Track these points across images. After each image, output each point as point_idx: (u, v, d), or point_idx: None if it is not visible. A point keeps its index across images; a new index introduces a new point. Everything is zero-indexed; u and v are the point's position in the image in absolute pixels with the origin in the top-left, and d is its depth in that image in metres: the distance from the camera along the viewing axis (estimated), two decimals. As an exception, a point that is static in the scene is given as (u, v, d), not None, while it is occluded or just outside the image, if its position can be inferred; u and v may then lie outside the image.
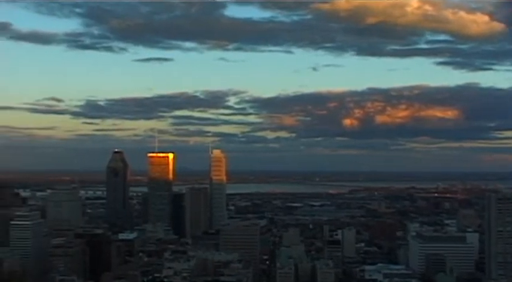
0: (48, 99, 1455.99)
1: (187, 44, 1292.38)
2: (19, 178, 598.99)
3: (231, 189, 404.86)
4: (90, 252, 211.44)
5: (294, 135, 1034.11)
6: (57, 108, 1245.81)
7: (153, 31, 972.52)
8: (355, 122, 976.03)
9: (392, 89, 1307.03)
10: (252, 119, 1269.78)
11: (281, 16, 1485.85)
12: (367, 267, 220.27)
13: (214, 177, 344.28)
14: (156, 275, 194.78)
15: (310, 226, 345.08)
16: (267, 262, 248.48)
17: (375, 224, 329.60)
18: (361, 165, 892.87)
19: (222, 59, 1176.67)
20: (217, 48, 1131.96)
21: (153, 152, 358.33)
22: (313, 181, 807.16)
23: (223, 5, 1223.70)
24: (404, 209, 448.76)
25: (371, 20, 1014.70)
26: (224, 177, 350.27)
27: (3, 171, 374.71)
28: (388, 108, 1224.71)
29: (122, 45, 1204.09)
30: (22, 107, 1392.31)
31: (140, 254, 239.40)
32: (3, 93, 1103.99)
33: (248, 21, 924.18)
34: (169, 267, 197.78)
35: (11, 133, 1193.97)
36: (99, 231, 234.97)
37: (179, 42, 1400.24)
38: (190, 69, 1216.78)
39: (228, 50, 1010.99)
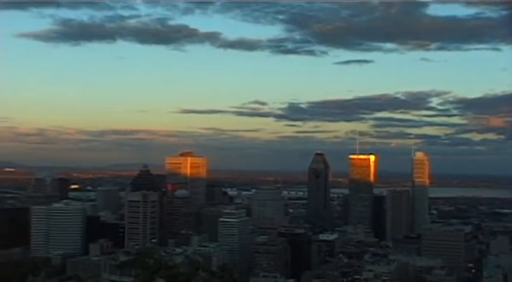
0: (253, 102, 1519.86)
1: (388, 45, 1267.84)
2: (227, 177, 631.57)
3: (433, 193, 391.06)
4: (292, 250, 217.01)
5: (502, 137, 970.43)
6: (262, 111, 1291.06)
7: (353, 34, 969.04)
8: None
9: None
10: (456, 120, 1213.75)
11: (488, 12, 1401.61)
12: None
13: (416, 180, 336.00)
14: (355, 276, 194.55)
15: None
16: (473, 270, 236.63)
17: None
18: None
19: (424, 59, 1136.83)
20: (419, 48, 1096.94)
21: (354, 154, 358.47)
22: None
23: (424, 4, 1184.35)
24: None
25: None
26: (427, 180, 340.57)
27: (213, 170, 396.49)
28: None
29: (323, 48, 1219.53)
30: (229, 110, 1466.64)
31: (340, 255, 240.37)
32: (213, 97, 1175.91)
33: (451, 19, 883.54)
34: (370, 270, 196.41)
35: (219, 135, 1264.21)
36: (301, 230, 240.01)
37: (379, 44, 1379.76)
38: (391, 71, 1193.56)
39: (429, 49, 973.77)
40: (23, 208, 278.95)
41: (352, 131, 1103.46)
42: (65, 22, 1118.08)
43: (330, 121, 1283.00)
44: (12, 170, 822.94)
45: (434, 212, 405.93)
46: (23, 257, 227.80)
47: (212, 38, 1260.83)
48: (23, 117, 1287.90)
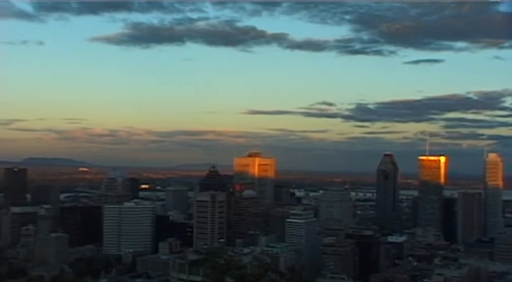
0: (321, 103, 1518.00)
1: (459, 44, 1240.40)
2: (295, 178, 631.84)
3: (507, 196, 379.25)
4: (360, 252, 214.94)
5: None
6: (329, 112, 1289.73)
7: (423, 33, 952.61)
8: None
9: None
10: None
11: None
12: None
13: (489, 182, 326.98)
14: (424, 280, 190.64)
15: None
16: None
17: None
18: None
19: (497, 57, 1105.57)
20: (492, 46, 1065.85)
21: (424, 155, 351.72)
22: None
23: (496, 1, 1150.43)
24: None
25: None
26: (500, 183, 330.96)
27: (281, 171, 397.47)
28: None
29: (391, 48, 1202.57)
30: (297, 111, 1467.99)
31: (409, 258, 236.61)
32: (281, 98, 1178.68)
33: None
34: (439, 274, 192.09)
35: (287, 136, 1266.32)
36: (369, 232, 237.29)
37: (450, 43, 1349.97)
38: (462, 70, 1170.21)
39: (503, 47, 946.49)
40: (96, 207, 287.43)
41: (422, 132, 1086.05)
42: (136, 25, 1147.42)
43: (398, 122, 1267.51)
44: (86, 169, 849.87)
45: (509, 215, 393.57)
46: (96, 253, 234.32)
47: (279, 39, 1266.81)
48: (96, 118, 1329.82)
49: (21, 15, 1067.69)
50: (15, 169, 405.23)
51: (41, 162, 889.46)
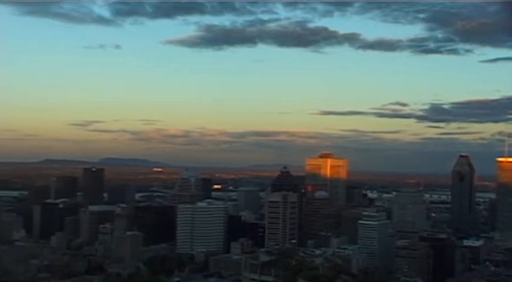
0: (394, 103, 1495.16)
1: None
2: (367, 179, 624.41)
3: None
4: (434, 256, 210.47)
5: None
6: (402, 113, 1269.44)
7: (501, 30, 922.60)
8: None
9: None
10: None
11: None
12: None
13: None
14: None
15: None
16: None
17: None
18: None
19: None
20: None
21: (502, 157, 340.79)
22: None
23: None
24: None
25: None
26: None
27: (353, 172, 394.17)
28: None
29: (467, 47, 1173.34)
30: (369, 111, 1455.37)
31: (486, 262, 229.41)
32: (352, 99, 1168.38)
33: None
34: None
35: (360, 136, 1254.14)
36: (443, 235, 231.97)
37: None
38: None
39: None
40: (169, 206, 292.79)
41: (500, 133, 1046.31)
42: (209, 28, 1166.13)
43: (475, 122, 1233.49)
44: (160, 169, 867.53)
45: None
46: (169, 252, 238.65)
47: (351, 40, 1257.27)
48: (170, 119, 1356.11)
49: (99, 20, 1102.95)
50: (93, 169, 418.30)
51: (117, 162, 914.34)
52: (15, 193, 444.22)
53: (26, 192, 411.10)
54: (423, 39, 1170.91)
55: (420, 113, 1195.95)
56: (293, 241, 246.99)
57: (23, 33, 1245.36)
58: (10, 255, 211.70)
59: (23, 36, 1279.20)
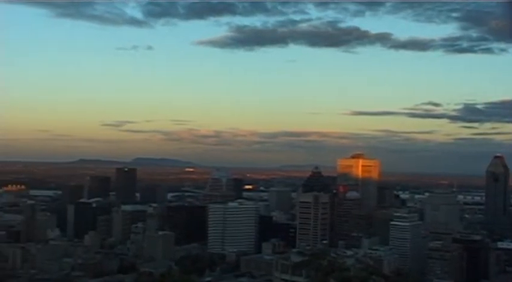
0: (426, 103, 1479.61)
1: None
2: (399, 180, 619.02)
3: None
4: (467, 258, 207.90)
5: None
6: (435, 113, 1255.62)
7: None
8: None
9: None
10: None
11: None
12: None
13: None
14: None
15: None
16: None
17: None
18: None
19: None
20: None
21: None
22: None
23: None
24: None
25: None
26: None
27: (385, 173, 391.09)
28: None
29: (502, 46, 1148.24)
30: (401, 111, 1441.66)
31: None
32: (384, 99, 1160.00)
33: None
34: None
35: (391, 137, 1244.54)
36: (477, 237, 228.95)
37: None
38: None
39: None
40: (201, 206, 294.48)
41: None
42: (240, 29, 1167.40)
43: (509, 122, 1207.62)
44: (191, 169, 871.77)
45: None
46: (201, 252, 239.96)
47: (383, 39, 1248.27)
48: (202, 120, 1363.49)
49: (132, 21, 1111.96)
50: (126, 169, 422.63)
51: (149, 162, 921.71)
52: (49, 192, 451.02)
53: (60, 192, 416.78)
54: (456, 39, 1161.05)
55: (453, 113, 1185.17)
56: (324, 242, 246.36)
57: (58, 35, 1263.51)
58: (45, 253, 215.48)
59: (57, 38, 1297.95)
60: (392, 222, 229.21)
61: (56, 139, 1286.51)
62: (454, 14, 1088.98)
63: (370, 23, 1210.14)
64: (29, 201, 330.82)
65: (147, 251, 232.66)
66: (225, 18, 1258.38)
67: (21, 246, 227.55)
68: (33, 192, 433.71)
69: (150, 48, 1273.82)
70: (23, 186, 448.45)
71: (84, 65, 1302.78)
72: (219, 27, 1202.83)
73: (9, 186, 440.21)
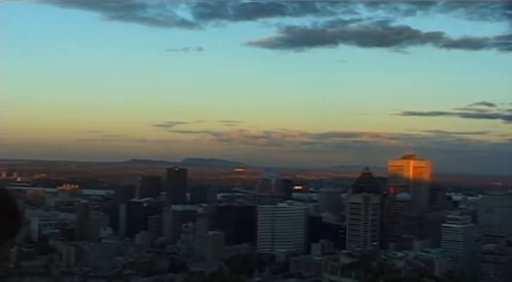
0: (480, 103, 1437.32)
1: None
2: (451, 181, 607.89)
3: None
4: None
5: None
6: (489, 113, 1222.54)
7: None
8: None
9: None
10: None
11: None
12: None
13: None
14: None
15: None
16: None
17: None
18: None
19: None
20: None
21: None
22: None
23: None
24: None
25: None
26: None
27: (436, 174, 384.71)
28: None
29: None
30: (454, 112, 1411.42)
31: None
32: (436, 99, 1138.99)
33: None
34: None
35: (443, 137, 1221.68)
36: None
37: None
38: None
39: None
40: (250, 206, 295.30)
41: None
42: (289, 29, 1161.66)
43: None
44: (241, 170, 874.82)
45: None
46: (250, 252, 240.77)
47: (435, 39, 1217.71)
48: (251, 120, 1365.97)
49: (183, 23, 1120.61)
50: (176, 169, 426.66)
51: (199, 163, 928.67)
52: (102, 192, 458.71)
53: (112, 191, 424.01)
54: (511, 37, 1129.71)
55: (508, 113, 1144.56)
56: (374, 243, 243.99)
57: (110, 37, 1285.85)
58: (97, 251, 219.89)
59: (109, 40, 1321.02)
60: (444, 224, 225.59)
61: (108, 139, 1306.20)
62: (509, 12, 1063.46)
63: (421, 22, 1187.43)
64: (83, 201, 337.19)
65: (197, 251, 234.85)
66: (275, 19, 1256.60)
67: (74, 244, 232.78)
68: (86, 191, 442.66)
69: (200, 49, 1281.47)
70: (76, 186, 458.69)
71: (135, 66, 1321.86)
72: (268, 28, 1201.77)
73: (64, 185, 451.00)
